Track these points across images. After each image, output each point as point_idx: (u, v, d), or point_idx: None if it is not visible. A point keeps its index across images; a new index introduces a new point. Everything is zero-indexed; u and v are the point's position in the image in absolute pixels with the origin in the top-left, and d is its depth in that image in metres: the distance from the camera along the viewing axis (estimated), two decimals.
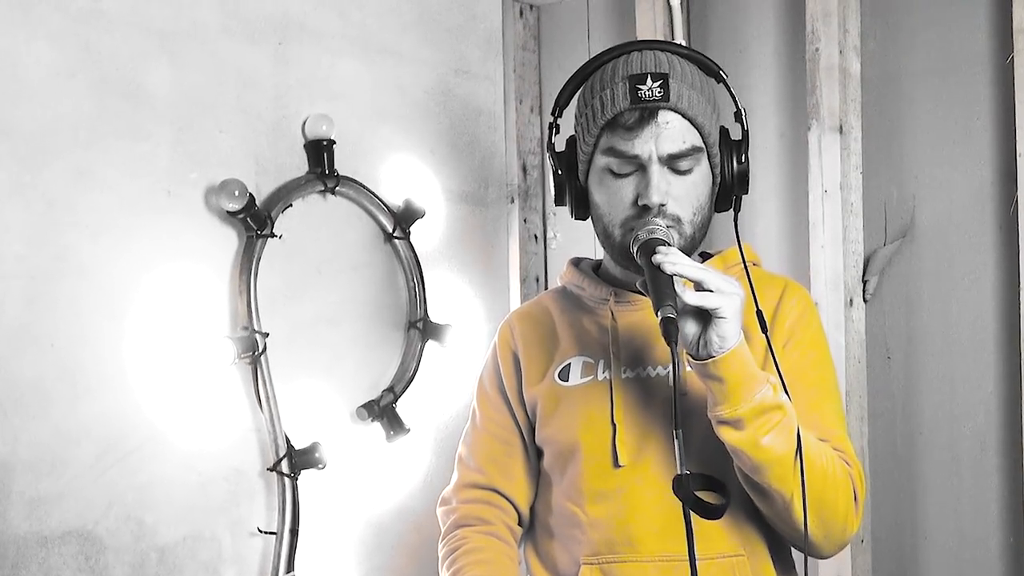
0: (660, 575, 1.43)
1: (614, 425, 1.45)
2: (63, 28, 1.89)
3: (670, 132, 1.40)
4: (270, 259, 2.13)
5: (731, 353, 1.28)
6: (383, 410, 2.30)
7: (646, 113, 1.40)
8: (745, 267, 1.44)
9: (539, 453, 1.58)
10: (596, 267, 1.62)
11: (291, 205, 2.17)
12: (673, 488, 1.20)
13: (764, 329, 1.37)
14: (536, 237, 2.76)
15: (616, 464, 1.45)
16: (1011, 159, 1.98)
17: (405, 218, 2.35)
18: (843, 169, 2.15)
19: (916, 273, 2.14)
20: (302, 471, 2.13)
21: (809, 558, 1.35)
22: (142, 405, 1.97)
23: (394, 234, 2.34)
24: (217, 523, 2.07)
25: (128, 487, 1.95)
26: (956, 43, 2.08)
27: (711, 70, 1.48)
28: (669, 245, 1.34)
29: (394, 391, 2.33)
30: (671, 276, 1.28)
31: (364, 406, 2.27)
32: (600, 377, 1.49)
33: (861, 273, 2.18)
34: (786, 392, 1.33)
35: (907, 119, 2.15)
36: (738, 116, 1.48)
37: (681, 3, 2.42)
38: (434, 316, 2.39)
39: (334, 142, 2.22)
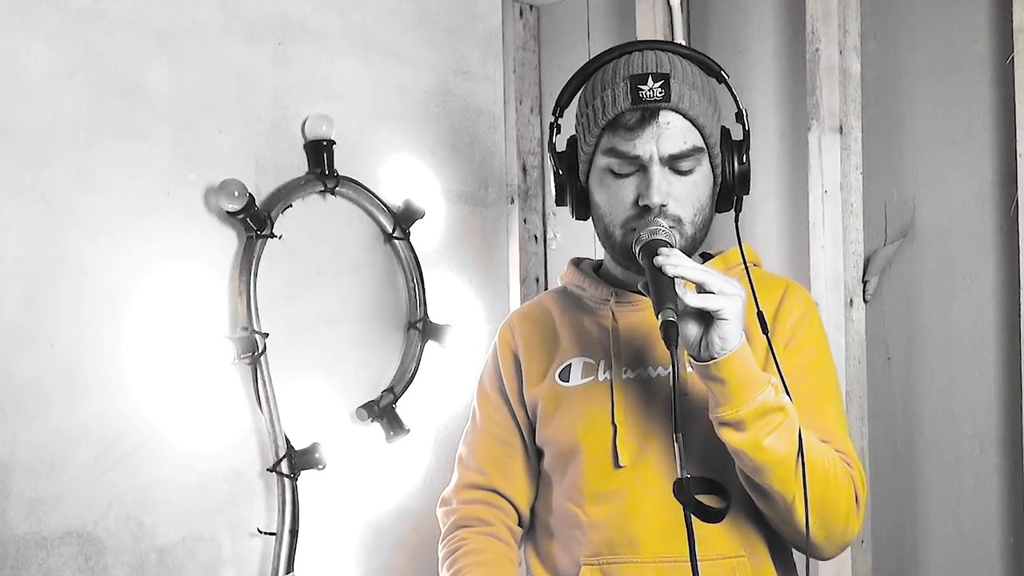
0: None
1: (615, 426, 1.45)
2: (62, 28, 1.88)
3: (671, 132, 1.40)
4: (270, 259, 2.13)
5: (733, 355, 1.28)
6: (383, 410, 2.29)
7: (647, 113, 1.39)
8: (746, 268, 1.44)
9: (539, 453, 1.58)
10: (597, 267, 1.61)
11: (291, 205, 2.17)
12: (674, 492, 1.20)
13: (765, 330, 1.37)
14: (536, 237, 2.75)
15: (617, 465, 1.45)
16: (1011, 159, 1.97)
17: (405, 218, 2.35)
18: (843, 169, 2.15)
19: (916, 273, 2.14)
20: (302, 472, 2.13)
21: (810, 559, 1.35)
22: (142, 406, 1.96)
23: (394, 234, 2.34)
24: (217, 524, 2.07)
25: (128, 488, 1.95)
26: (956, 43, 2.08)
27: (712, 70, 1.48)
28: (671, 246, 1.34)
29: (394, 391, 2.32)
30: (672, 278, 1.28)
31: (364, 407, 2.27)
32: (601, 378, 1.49)
33: (861, 273, 2.18)
34: (787, 393, 1.33)
35: (907, 119, 2.15)
36: (739, 116, 1.48)
37: (681, 3, 2.42)
38: (434, 316, 2.39)
39: (334, 142, 2.22)
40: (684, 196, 1.42)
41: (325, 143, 2.21)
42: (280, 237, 2.13)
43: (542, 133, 2.77)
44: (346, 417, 2.28)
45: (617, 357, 1.49)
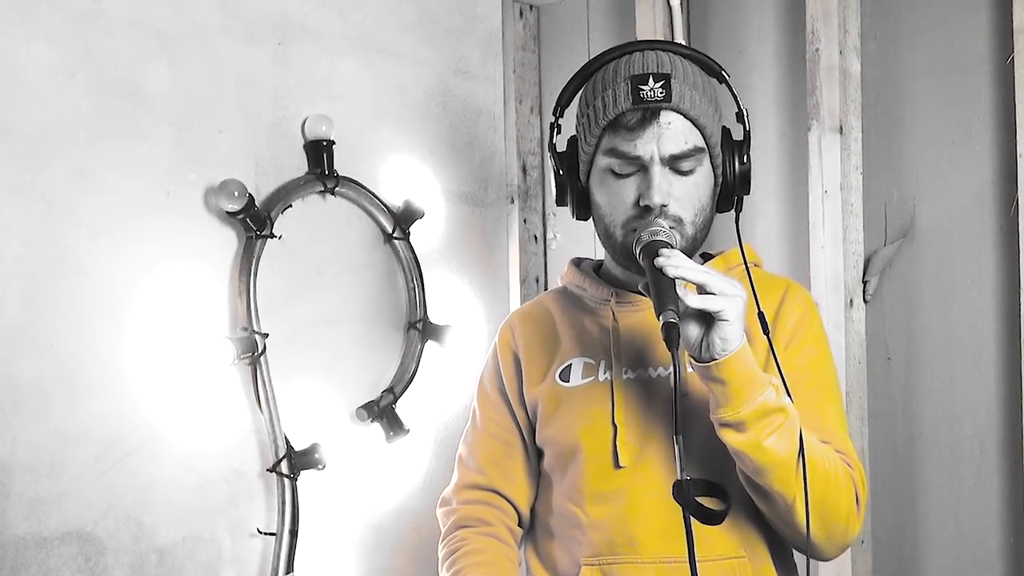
0: None
1: (615, 426, 1.45)
2: (62, 28, 1.88)
3: (672, 133, 1.40)
4: (270, 260, 2.13)
5: (734, 356, 1.28)
6: (383, 411, 2.29)
7: (648, 114, 1.39)
8: (747, 268, 1.44)
9: (539, 454, 1.58)
10: (597, 267, 1.61)
11: (291, 206, 2.17)
12: (673, 494, 1.20)
13: (766, 330, 1.37)
14: (536, 237, 2.75)
15: (617, 465, 1.45)
16: (1012, 159, 1.97)
17: (405, 219, 2.35)
18: (843, 170, 2.15)
19: (916, 274, 2.14)
20: (302, 472, 2.13)
21: (810, 560, 1.35)
22: (141, 406, 1.96)
23: (394, 235, 2.33)
24: (217, 524, 2.07)
25: (127, 488, 1.95)
26: (956, 43, 2.08)
27: (713, 70, 1.48)
28: (672, 247, 1.33)
29: (394, 392, 2.32)
30: (673, 279, 1.28)
31: (364, 407, 2.27)
32: (601, 378, 1.49)
33: (861, 274, 2.18)
34: (788, 394, 1.33)
35: (907, 119, 2.15)
36: (740, 116, 1.48)
37: (681, 3, 2.42)
38: (434, 317, 2.39)
39: (334, 143, 2.22)
40: (685, 196, 1.42)
41: (325, 143, 2.20)
42: (280, 237, 2.13)
43: (542, 133, 2.77)
44: (346, 417, 2.28)
45: (617, 357, 1.48)
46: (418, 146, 2.43)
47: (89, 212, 1.91)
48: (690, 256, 1.42)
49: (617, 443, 1.45)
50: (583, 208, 1.51)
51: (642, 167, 1.41)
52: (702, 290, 1.28)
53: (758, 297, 1.37)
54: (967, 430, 2.07)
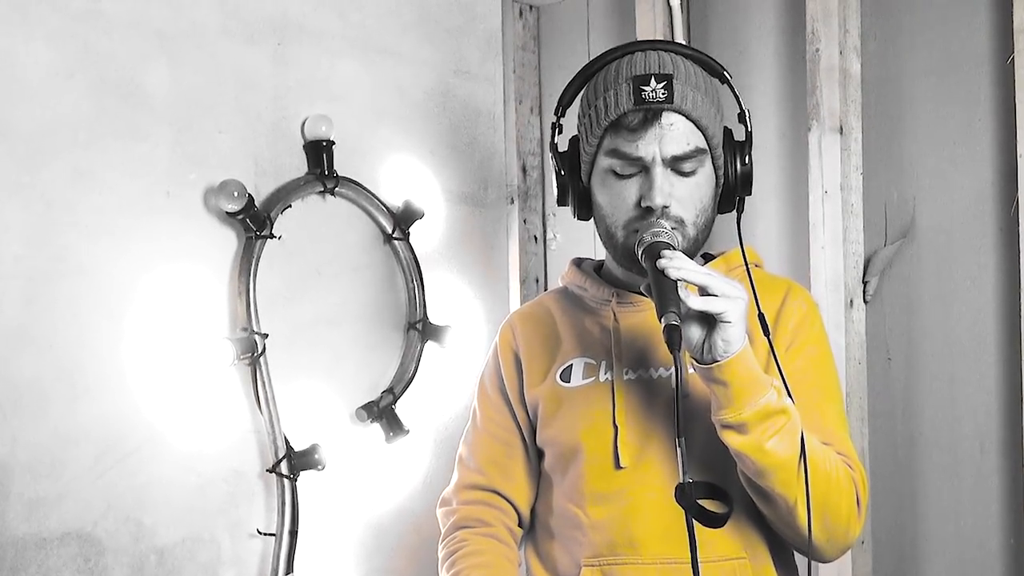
0: None
1: (616, 427, 1.45)
2: (62, 28, 1.88)
3: (674, 134, 1.40)
4: (269, 260, 2.13)
5: (736, 357, 1.27)
6: (382, 411, 2.29)
7: (650, 115, 1.39)
8: (747, 269, 1.44)
9: (540, 454, 1.58)
10: (598, 268, 1.61)
11: (290, 206, 2.17)
12: (675, 497, 1.20)
13: (767, 332, 1.37)
14: (536, 238, 2.75)
15: (618, 466, 1.44)
16: (1012, 160, 1.97)
17: (404, 219, 2.35)
18: (843, 170, 2.15)
19: (916, 274, 2.14)
20: (301, 472, 2.13)
21: (811, 561, 1.35)
22: (141, 406, 1.96)
23: (393, 235, 2.33)
24: (216, 525, 2.07)
25: (127, 488, 1.94)
26: (956, 43, 2.08)
27: (715, 71, 1.48)
28: (674, 248, 1.33)
29: (393, 392, 2.32)
30: (675, 281, 1.28)
31: (363, 407, 2.27)
32: (602, 378, 1.49)
33: (861, 274, 2.18)
34: (789, 395, 1.33)
35: (907, 119, 2.15)
36: (741, 117, 1.48)
37: (681, 3, 2.42)
38: (433, 317, 2.38)
39: (333, 143, 2.22)
40: (687, 197, 1.42)
41: (325, 143, 2.20)
42: (280, 238, 2.13)
43: (542, 133, 2.77)
44: (346, 418, 2.27)
45: (618, 358, 1.48)
46: (418, 146, 2.43)
47: (89, 212, 1.91)
48: (691, 257, 1.42)
49: (618, 444, 1.44)
50: (584, 208, 1.51)
51: (644, 168, 1.41)
52: (704, 292, 1.28)
53: (759, 298, 1.37)
54: (967, 430, 2.07)
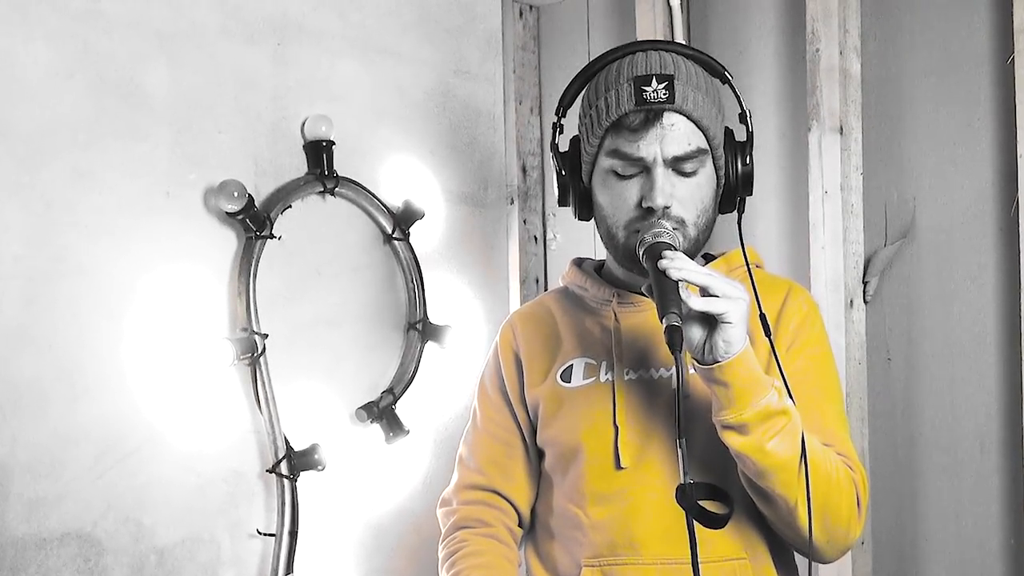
0: None
1: (616, 427, 1.45)
2: (61, 28, 1.88)
3: (675, 134, 1.40)
4: (269, 260, 2.13)
5: (737, 358, 1.27)
6: (382, 412, 2.29)
7: (651, 115, 1.39)
8: (748, 269, 1.44)
9: (540, 454, 1.58)
10: (599, 268, 1.61)
11: (290, 206, 2.17)
12: (676, 498, 1.20)
13: (768, 332, 1.37)
14: (536, 238, 2.75)
15: (618, 466, 1.44)
16: (1012, 160, 1.97)
17: (404, 219, 2.35)
18: (843, 170, 2.15)
19: (917, 274, 2.14)
20: (301, 473, 2.13)
21: (811, 561, 1.35)
22: (141, 406, 1.96)
23: (393, 235, 2.33)
24: (216, 525, 2.07)
25: (127, 488, 1.94)
26: (956, 43, 2.08)
27: (716, 71, 1.47)
28: (675, 249, 1.33)
29: (393, 393, 2.32)
30: (677, 282, 1.27)
31: (363, 408, 2.27)
32: (603, 378, 1.49)
33: (861, 274, 2.18)
34: (790, 395, 1.33)
35: (907, 119, 2.15)
36: (743, 117, 1.48)
37: (681, 3, 2.42)
38: (433, 317, 2.38)
39: (333, 143, 2.22)
40: (688, 198, 1.42)
41: (325, 144, 2.20)
42: (279, 238, 2.13)
43: (542, 133, 2.77)
44: (345, 418, 2.27)
45: (619, 358, 1.48)
46: (418, 146, 2.43)
47: (88, 212, 1.91)
48: (692, 257, 1.42)
49: (618, 444, 1.44)
50: (585, 209, 1.51)
51: (645, 168, 1.41)
52: (705, 292, 1.28)
53: (760, 299, 1.37)
54: (967, 430, 2.07)
